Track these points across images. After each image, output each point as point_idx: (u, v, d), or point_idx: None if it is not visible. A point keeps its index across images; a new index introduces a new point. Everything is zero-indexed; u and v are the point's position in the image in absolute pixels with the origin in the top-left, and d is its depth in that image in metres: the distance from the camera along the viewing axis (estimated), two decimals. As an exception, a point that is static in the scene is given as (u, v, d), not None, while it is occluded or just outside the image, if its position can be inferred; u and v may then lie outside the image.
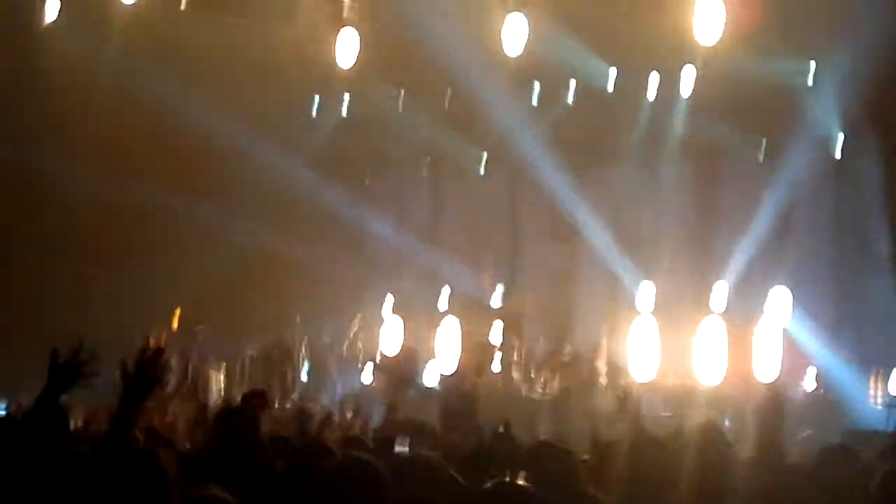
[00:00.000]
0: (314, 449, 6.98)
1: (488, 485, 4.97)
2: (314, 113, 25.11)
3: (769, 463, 7.15)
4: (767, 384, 17.93)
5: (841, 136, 21.12)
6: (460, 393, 15.04)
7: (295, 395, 20.21)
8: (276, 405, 16.29)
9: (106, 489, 4.99)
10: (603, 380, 19.86)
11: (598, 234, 22.69)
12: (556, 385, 19.43)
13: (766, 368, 18.48)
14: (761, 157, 22.23)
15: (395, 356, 19.03)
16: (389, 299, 23.19)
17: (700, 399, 17.96)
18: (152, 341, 19.84)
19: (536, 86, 23.51)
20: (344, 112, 24.82)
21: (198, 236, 22.86)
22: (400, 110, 24.43)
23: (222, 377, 21.55)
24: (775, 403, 9.01)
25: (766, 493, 6.32)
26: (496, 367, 21.15)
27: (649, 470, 6.58)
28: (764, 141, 22.14)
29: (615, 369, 19.99)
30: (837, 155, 21.16)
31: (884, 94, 19.00)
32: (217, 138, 22.04)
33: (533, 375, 20.54)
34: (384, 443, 7.96)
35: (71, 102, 22.35)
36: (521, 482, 5.27)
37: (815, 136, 21.02)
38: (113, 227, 24.02)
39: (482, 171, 25.04)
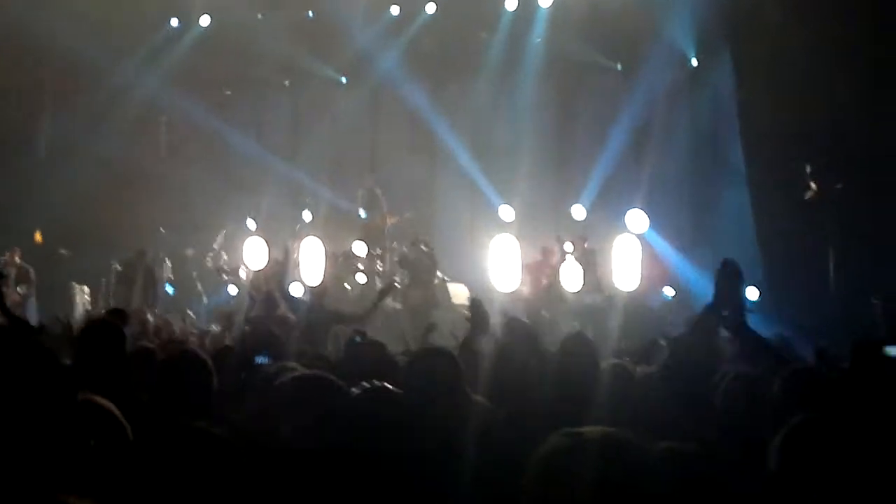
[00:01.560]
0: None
1: (355, 390, 5.07)
2: (173, 28, 24.80)
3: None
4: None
5: (695, 50, 21.48)
6: (323, 306, 15.06)
7: (157, 309, 20.11)
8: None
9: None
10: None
11: (457, 148, 22.85)
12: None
13: (626, 278, 18.76)
14: (619, 72, 22.56)
15: (261, 269, 18.94)
16: (253, 215, 23.11)
17: (561, 308, 18.22)
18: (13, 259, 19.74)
19: (395, 3, 23.57)
20: (203, 26, 24.56)
21: (60, 154, 22.60)
22: (259, 28, 24.27)
23: (87, 295, 21.40)
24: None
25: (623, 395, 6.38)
26: (361, 278, 21.29)
27: (513, 373, 6.71)
28: (621, 56, 22.46)
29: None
30: (692, 67, 21.55)
31: (737, 8, 19.31)
32: (76, 55, 21.71)
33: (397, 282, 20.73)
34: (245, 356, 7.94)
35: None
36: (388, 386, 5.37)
37: (671, 51, 21.38)
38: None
39: (342, 85, 25.05)
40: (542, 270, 18.64)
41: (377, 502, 4.60)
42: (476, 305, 8.38)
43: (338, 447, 4.85)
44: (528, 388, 6.50)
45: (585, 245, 19.38)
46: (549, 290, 17.14)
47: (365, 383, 5.35)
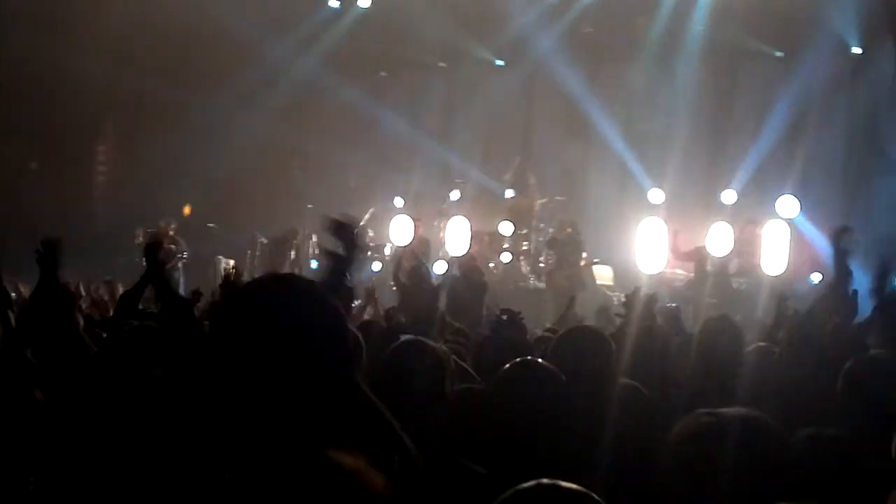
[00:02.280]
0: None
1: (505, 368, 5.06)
2: (332, 9, 24.99)
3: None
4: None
5: (858, 38, 21.15)
6: (469, 282, 15.08)
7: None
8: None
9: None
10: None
11: (611, 133, 22.78)
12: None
13: (774, 263, 18.59)
14: (778, 59, 22.29)
15: (408, 246, 19.09)
16: (402, 193, 23.28)
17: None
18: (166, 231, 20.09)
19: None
20: (362, 7, 24.70)
21: (210, 130, 22.92)
22: (417, 9, 24.37)
23: (232, 268, 21.72)
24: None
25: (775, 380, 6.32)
26: (505, 258, 21.35)
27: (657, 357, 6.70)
28: (781, 43, 22.20)
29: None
30: (854, 56, 21.22)
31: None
32: (231, 33, 21.99)
33: (542, 264, 20.76)
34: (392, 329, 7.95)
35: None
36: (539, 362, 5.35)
37: (833, 38, 21.07)
38: (123, 120, 24.15)
39: (498, 67, 25.10)
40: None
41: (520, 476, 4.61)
42: (631, 299, 8.30)
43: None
44: (670, 368, 6.51)
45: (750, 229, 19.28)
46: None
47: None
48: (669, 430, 3.44)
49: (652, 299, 8.31)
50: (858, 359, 5.51)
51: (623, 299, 8.35)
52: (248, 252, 22.26)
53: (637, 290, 8.37)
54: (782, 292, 10.96)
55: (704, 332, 6.73)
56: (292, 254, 21.95)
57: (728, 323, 6.98)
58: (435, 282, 14.27)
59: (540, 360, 5.37)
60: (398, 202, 22.89)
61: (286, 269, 21.05)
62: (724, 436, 3.25)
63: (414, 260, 15.52)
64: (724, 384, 5.84)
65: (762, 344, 7.16)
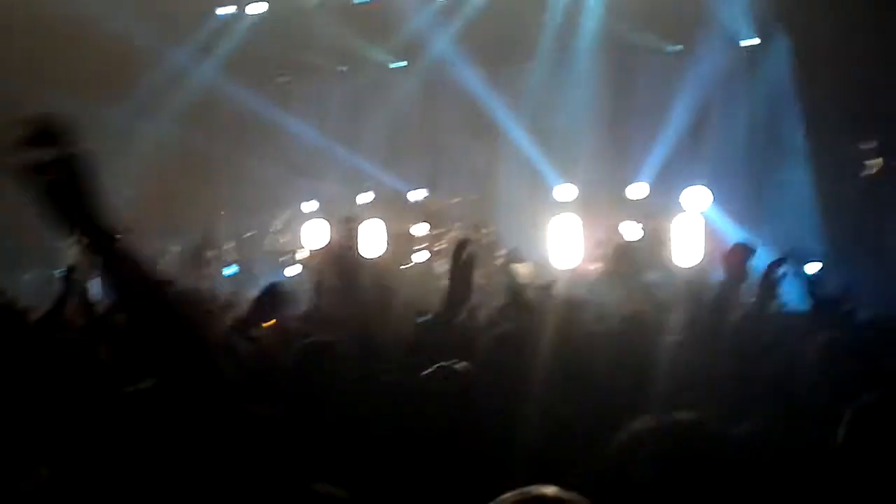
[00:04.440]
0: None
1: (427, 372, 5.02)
2: (228, 15, 24.86)
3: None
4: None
5: (752, 30, 21.37)
6: (382, 285, 14.99)
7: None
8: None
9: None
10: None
11: (516, 131, 22.85)
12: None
13: (687, 256, 18.76)
14: (675, 53, 22.47)
15: (322, 249, 19.05)
16: (312, 200, 23.21)
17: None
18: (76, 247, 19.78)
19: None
20: (257, 13, 24.61)
21: (115, 142, 22.70)
22: (314, 14, 24.30)
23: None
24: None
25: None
26: (421, 255, 21.34)
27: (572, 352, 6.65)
28: (677, 37, 22.39)
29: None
30: (749, 47, 21.44)
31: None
32: (127, 40, 21.73)
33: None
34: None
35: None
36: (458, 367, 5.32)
37: (726, 32, 21.31)
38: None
39: (399, 69, 25.09)
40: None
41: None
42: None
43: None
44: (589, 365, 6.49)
45: (650, 224, 19.40)
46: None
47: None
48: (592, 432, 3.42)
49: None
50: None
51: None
52: (160, 262, 22.05)
53: (551, 284, 8.39)
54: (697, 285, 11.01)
55: (622, 330, 6.74)
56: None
57: (641, 321, 7.01)
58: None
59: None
60: (311, 206, 22.81)
61: (202, 278, 20.97)
62: (662, 441, 3.24)
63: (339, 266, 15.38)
64: (640, 383, 5.83)
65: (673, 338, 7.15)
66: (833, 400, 4.78)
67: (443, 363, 5.25)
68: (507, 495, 2.64)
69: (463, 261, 7.49)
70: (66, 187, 2.85)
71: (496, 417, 5.05)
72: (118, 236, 2.96)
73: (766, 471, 4.12)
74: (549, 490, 2.62)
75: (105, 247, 2.95)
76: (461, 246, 6.95)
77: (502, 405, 5.20)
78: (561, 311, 7.62)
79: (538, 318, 7.41)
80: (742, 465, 3.51)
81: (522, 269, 20.55)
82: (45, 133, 2.80)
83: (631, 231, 19.73)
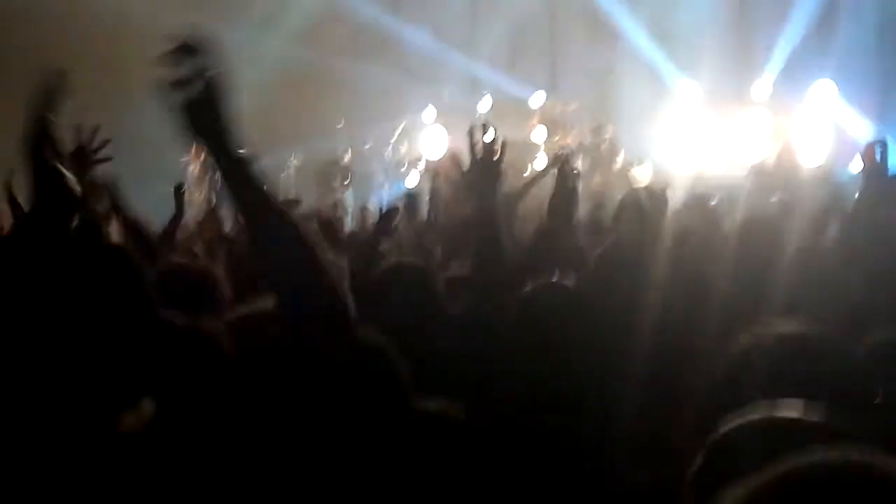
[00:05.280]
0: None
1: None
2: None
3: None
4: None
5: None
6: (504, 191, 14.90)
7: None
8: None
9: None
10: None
11: (637, 33, 22.56)
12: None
13: (812, 153, 18.40)
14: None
15: (443, 158, 19.06)
16: (431, 107, 23.13)
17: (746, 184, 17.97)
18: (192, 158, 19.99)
19: None
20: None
21: (233, 58, 22.74)
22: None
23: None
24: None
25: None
26: (541, 161, 21.16)
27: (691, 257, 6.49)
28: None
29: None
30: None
31: None
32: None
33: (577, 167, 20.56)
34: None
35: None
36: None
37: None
38: (143, 53, 23.93)
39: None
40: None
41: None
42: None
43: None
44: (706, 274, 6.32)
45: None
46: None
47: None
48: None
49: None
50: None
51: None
52: (282, 174, 22.18)
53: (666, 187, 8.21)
54: (832, 184, 10.73)
55: (743, 234, 6.54)
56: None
57: (766, 222, 6.80)
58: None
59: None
60: (428, 115, 22.73)
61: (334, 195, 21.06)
62: (782, 355, 3.08)
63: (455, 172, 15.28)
64: (761, 291, 5.65)
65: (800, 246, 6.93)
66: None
67: (548, 280, 5.11)
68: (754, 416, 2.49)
69: (565, 175, 7.40)
70: (201, 104, 2.87)
71: (607, 333, 4.92)
72: (245, 157, 2.97)
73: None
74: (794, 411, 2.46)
75: (231, 167, 2.96)
76: (564, 162, 6.89)
77: (613, 320, 5.07)
78: (677, 217, 7.46)
79: (652, 225, 7.27)
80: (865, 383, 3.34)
81: (642, 172, 20.44)
82: (187, 49, 2.82)
83: (757, 128, 19.42)
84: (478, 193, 5.39)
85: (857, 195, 6.57)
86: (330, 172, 21.78)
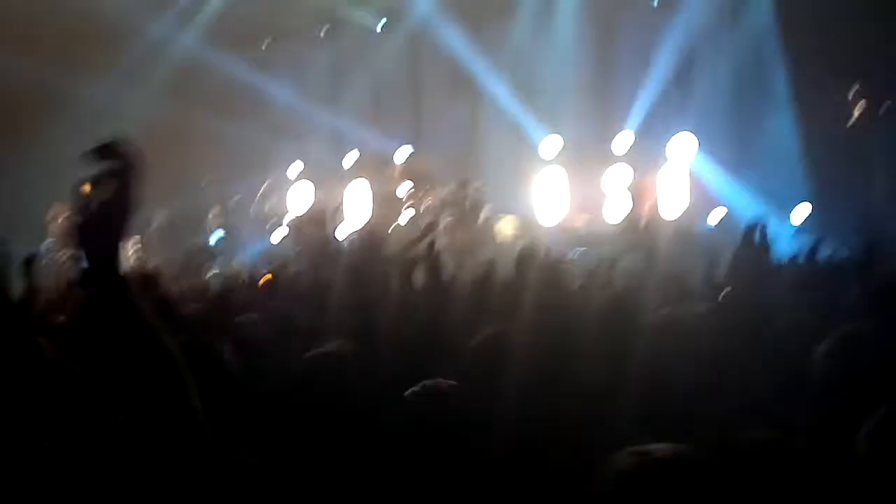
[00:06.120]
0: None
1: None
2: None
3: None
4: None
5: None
6: (370, 246, 14.96)
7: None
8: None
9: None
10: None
11: (499, 88, 22.79)
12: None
13: (672, 207, 18.74)
14: (658, 5, 22.34)
15: (306, 214, 19.07)
16: (297, 163, 23.17)
17: (606, 239, 18.30)
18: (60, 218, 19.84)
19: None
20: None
21: (96, 112, 22.63)
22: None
23: (131, 247, 21.43)
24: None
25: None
26: (408, 214, 21.23)
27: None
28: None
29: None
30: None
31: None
32: (108, 12, 21.61)
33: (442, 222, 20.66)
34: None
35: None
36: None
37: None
38: (8, 109, 23.69)
39: (380, 30, 24.98)
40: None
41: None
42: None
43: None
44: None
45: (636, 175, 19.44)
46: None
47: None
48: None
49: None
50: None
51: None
52: (147, 231, 22.03)
53: (531, 245, 8.34)
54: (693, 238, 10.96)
55: (610, 309, 6.59)
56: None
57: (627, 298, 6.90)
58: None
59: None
60: (294, 171, 22.76)
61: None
62: (655, 479, 3.17)
63: (319, 231, 15.32)
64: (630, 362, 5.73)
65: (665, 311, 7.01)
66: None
67: (426, 382, 5.14)
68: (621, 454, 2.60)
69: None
70: (100, 211, 2.94)
71: (482, 433, 5.00)
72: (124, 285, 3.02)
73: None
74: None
75: (105, 292, 3.02)
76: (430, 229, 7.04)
77: (488, 418, 5.15)
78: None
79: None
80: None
81: (507, 226, 20.65)
82: (104, 150, 2.91)
83: (617, 183, 19.71)
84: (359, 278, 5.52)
85: (731, 269, 6.72)
86: (196, 255, 21.70)
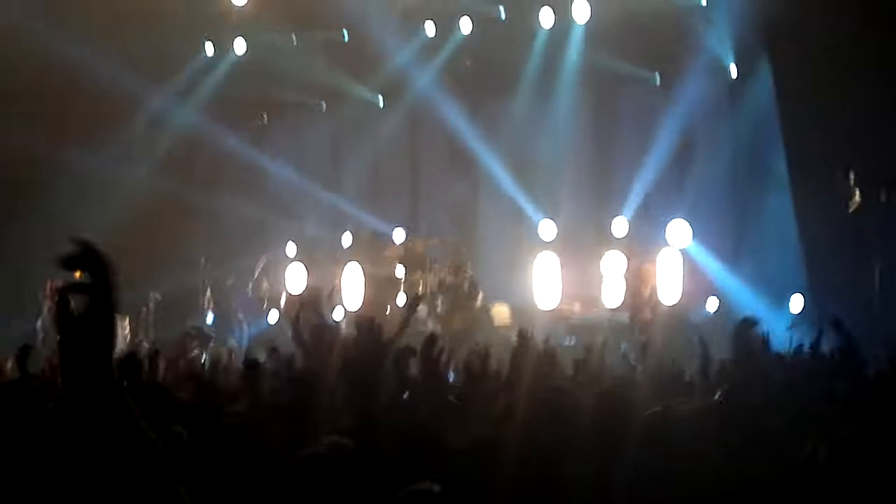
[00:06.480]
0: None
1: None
2: (207, 56, 24.75)
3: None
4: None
5: (735, 59, 21.30)
6: (364, 334, 14.84)
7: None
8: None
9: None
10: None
11: (497, 166, 22.76)
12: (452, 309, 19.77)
13: (668, 294, 18.64)
14: (658, 84, 22.38)
15: (300, 295, 19.01)
16: (293, 241, 23.08)
17: (602, 326, 18.24)
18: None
19: (430, 23, 23.42)
20: (238, 54, 24.53)
21: (95, 185, 22.62)
22: (294, 52, 24.28)
23: (126, 328, 21.30)
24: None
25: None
26: (402, 300, 21.09)
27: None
28: (659, 68, 22.29)
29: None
30: (732, 77, 21.35)
31: (775, 16, 19.12)
32: (107, 88, 21.65)
33: (438, 307, 20.57)
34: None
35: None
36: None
37: (710, 61, 21.22)
38: (6, 182, 23.68)
39: (380, 106, 25.01)
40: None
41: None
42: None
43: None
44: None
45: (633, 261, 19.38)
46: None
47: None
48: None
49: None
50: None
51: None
52: (143, 310, 21.92)
53: (526, 332, 8.30)
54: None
55: (599, 406, 6.54)
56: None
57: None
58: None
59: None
60: (291, 250, 22.67)
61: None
62: None
63: (314, 315, 15.21)
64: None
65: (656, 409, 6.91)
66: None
67: (417, 488, 5.05)
68: None
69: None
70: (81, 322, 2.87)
71: None
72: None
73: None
74: None
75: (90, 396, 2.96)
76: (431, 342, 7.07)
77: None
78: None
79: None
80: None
81: (500, 312, 20.56)
82: (75, 260, 2.82)
83: (614, 268, 19.64)
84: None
85: (726, 366, 6.66)
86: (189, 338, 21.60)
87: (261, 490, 5.61)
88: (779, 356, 9.20)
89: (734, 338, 6.71)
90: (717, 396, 6.69)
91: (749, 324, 6.80)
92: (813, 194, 18.88)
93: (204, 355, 18.34)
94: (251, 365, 8.62)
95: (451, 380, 8.86)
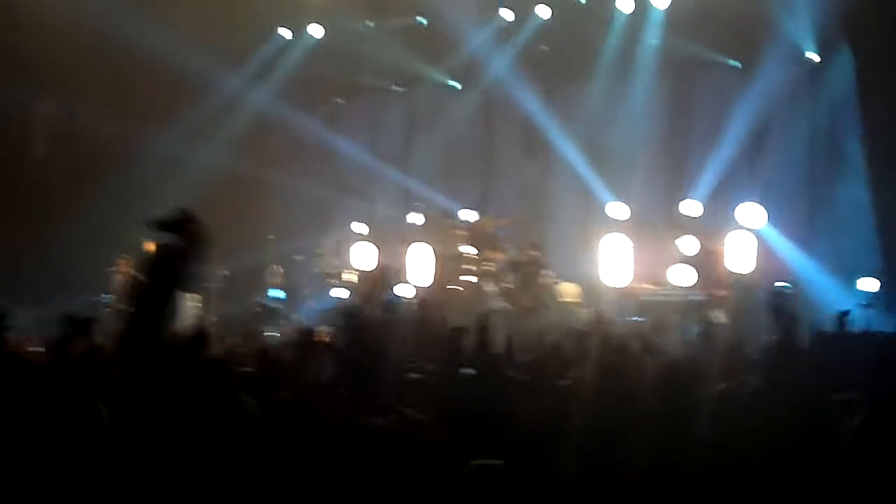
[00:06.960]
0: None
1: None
2: (284, 39, 24.91)
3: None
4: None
5: (814, 46, 21.08)
6: (432, 303, 14.90)
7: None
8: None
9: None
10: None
11: (570, 151, 22.69)
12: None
13: (742, 274, 18.48)
14: (736, 70, 22.20)
15: (369, 272, 19.02)
16: (363, 219, 23.12)
17: (673, 305, 18.10)
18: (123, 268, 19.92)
19: (506, 10, 23.45)
20: (315, 37, 24.66)
21: (166, 165, 22.80)
22: (371, 36, 24.40)
23: (197, 303, 21.36)
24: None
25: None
26: (470, 279, 21.00)
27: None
28: (738, 53, 22.11)
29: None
30: (811, 64, 21.13)
31: (856, 3, 18.93)
32: (184, 67, 21.78)
33: (506, 285, 20.50)
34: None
35: (30, 33, 22.09)
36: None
37: (789, 47, 21.00)
38: (80, 158, 23.91)
39: (455, 90, 25.01)
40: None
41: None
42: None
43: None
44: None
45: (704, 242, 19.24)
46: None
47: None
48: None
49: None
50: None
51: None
52: (211, 285, 21.99)
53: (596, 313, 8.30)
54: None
55: (666, 377, 6.54)
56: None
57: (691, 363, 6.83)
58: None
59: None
60: (360, 228, 22.68)
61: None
62: None
63: (382, 290, 15.19)
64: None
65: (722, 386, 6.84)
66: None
67: (480, 462, 5.00)
68: None
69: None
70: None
71: None
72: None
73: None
74: None
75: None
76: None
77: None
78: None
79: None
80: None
81: (569, 290, 20.45)
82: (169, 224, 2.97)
83: (685, 250, 19.48)
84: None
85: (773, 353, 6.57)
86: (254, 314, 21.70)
87: (323, 461, 5.61)
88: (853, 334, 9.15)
89: (770, 307, 6.67)
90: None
91: (780, 295, 6.74)
92: (890, 179, 18.67)
93: (272, 331, 18.44)
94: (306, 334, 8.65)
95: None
